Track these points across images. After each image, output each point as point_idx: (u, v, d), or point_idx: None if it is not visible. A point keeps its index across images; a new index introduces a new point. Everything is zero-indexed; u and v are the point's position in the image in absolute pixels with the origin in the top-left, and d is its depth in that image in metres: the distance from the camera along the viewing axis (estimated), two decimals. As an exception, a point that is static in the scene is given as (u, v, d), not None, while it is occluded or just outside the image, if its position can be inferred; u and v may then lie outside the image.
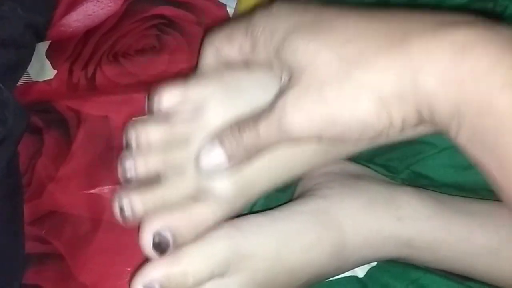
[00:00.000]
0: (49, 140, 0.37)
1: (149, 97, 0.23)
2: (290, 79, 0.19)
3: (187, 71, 0.38)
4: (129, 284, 0.21)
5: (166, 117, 0.22)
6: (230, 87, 0.22)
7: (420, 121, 0.17)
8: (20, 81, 0.40)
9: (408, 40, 0.16)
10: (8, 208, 0.32)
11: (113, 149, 0.36)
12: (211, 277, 0.21)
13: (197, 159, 0.21)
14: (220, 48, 0.22)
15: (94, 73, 0.39)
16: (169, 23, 0.40)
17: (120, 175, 0.23)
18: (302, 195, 0.25)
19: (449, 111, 0.15)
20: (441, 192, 0.25)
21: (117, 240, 0.33)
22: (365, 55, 0.16)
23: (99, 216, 0.34)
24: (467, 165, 0.26)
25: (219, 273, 0.21)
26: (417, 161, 0.27)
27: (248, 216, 0.24)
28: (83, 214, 0.34)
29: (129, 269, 0.32)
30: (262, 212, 0.24)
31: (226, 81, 0.22)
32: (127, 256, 0.32)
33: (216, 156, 0.20)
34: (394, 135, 0.17)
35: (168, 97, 0.22)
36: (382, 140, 0.19)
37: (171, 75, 0.38)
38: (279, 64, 0.19)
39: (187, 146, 0.21)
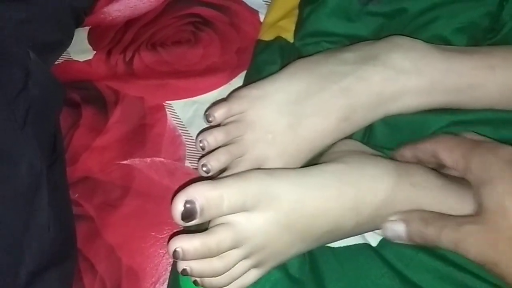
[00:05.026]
0: (87, 114, 0.40)
1: (206, 114, 0.32)
2: (479, 213, 0.23)
3: (218, 64, 0.42)
4: (171, 203, 0.24)
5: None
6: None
7: None
8: (60, 58, 0.43)
9: None
10: (53, 178, 0.34)
11: (145, 126, 0.39)
12: (243, 208, 0.24)
13: (385, 225, 0.27)
14: (440, 153, 0.27)
15: (132, 58, 0.42)
16: (204, 21, 0.44)
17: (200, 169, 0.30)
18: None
19: None
20: None
21: (144, 207, 0.36)
22: None
23: (129, 184, 0.36)
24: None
25: (250, 206, 0.25)
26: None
27: (277, 168, 0.28)
28: (114, 182, 0.37)
29: (153, 233, 0.34)
30: (289, 168, 0.27)
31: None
32: (153, 221, 0.35)
33: (400, 235, 0.26)
34: None
35: (220, 113, 0.31)
36: None
37: (203, 67, 0.42)
38: (475, 194, 0.24)
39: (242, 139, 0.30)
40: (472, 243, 0.23)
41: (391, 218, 0.26)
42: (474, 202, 0.24)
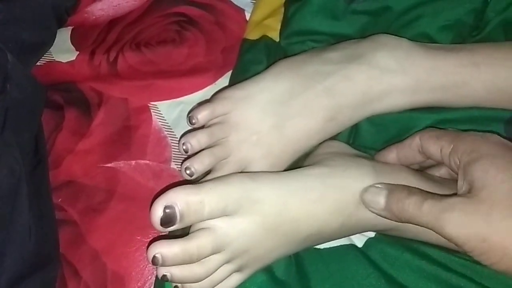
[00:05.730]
0: (70, 116, 0.39)
1: (189, 116, 0.31)
2: (468, 191, 0.23)
3: (203, 64, 0.41)
4: (150, 209, 0.24)
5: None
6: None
7: None
8: (42, 59, 0.43)
9: None
10: (35, 182, 0.33)
11: (130, 128, 0.38)
12: (224, 212, 0.24)
13: (364, 190, 0.26)
14: (426, 141, 0.27)
15: (116, 58, 0.41)
16: (189, 21, 0.43)
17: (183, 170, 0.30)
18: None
19: None
20: None
21: (129, 211, 0.35)
22: None
23: (114, 188, 0.36)
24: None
25: (232, 211, 0.24)
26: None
27: (259, 171, 0.27)
28: (98, 186, 0.36)
29: (138, 237, 0.34)
30: (272, 172, 0.27)
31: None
32: (138, 225, 0.34)
33: (378, 201, 0.25)
34: None
35: (203, 115, 0.30)
36: None
37: (188, 67, 0.41)
38: (463, 175, 0.24)
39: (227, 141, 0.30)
40: (457, 215, 0.22)
41: (376, 185, 0.26)
42: (462, 184, 0.24)
